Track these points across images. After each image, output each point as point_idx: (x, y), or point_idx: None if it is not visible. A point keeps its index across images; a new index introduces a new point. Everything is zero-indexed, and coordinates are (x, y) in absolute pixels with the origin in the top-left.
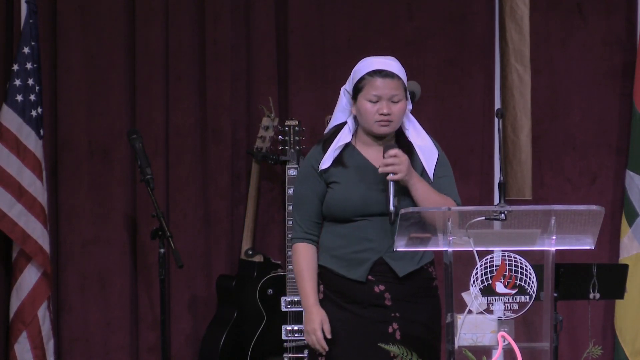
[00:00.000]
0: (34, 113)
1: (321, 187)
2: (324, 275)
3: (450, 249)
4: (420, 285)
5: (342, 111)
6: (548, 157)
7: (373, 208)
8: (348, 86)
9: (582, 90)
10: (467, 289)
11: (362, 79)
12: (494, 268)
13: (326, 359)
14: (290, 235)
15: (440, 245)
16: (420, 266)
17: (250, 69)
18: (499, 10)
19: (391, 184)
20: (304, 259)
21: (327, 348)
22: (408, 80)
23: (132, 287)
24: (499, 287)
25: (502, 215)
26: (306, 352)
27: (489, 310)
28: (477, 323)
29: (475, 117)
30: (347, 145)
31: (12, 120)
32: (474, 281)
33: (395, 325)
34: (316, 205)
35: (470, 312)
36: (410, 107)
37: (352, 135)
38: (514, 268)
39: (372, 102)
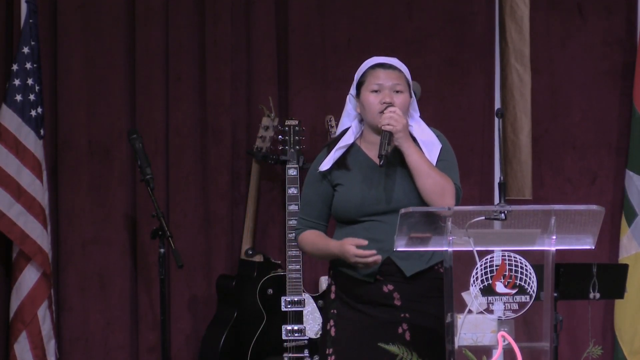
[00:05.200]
0: (33, 113)
1: (325, 189)
2: (336, 276)
3: (450, 249)
4: (430, 286)
5: (347, 117)
6: (548, 157)
7: (374, 207)
8: (352, 90)
9: (582, 90)
10: (467, 289)
11: (364, 73)
12: (494, 268)
13: (336, 359)
14: (290, 235)
15: (440, 245)
16: (429, 266)
17: (250, 69)
18: (499, 10)
19: (386, 133)
20: (310, 235)
21: (374, 252)
22: None
23: (132, 287)
24: (499, 287)
25: (502, 215)
26: (306, 351)
27: (489, 310)
28: (477, 323)
29: (475, 117)
30: (352, 147)
31: (11, 120)
32: (474, 281)
33: (404, 326)
34: (319, 208)
35: (470, 312)
36: (416, 106)
37: (358, 137)
38: (514, 268)
39: (375, 93)
